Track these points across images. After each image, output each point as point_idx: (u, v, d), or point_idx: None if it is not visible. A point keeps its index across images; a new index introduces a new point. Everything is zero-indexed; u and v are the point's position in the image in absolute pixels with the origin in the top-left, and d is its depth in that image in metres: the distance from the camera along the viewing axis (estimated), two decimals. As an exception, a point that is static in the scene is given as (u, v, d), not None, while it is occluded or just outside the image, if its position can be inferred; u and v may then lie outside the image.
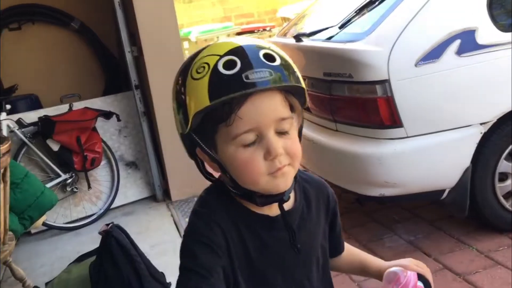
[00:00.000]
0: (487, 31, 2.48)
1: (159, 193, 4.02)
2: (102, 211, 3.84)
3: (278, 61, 0.82)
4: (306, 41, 2.95)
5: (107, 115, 3.77)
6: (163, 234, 3.45)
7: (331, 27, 2.88)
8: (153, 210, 3.90)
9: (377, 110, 2.45)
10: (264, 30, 6.72)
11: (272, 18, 7.74)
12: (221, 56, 0.81)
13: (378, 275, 1.01)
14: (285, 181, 0.86)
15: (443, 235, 2.83)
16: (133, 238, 2.50)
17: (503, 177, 2.63)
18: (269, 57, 0.82)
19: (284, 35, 3.50)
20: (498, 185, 2.62)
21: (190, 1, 7.41)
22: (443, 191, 2.56)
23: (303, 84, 0.86)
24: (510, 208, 2.66)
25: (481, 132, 2.50)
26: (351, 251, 1.10)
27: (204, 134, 0.85)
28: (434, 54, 2.43)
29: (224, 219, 0.87)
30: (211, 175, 0.94)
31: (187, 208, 3.79)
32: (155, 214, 3.82)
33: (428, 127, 2.48)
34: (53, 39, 4.39)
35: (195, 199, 3.53)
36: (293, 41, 3.01)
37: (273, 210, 0.91)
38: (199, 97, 0.80)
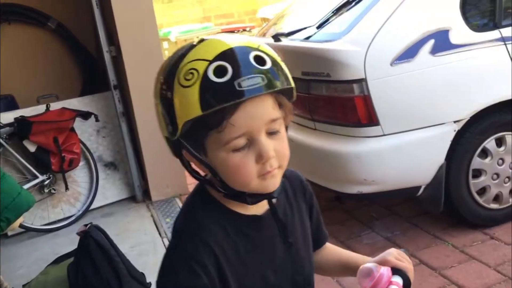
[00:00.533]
0: (460, 31, 2.54)
1: (139, 194, 4.00)
2: (80, 212, 3.80)
3: (269, 64, 0.82)
4: (284, 41, 2.97)
5: (85, 115, 3.74)
6: (143, 234, 3.44)
7: (309, 27, 2.91)
8: (132, 210, 3.88)
9: (355, 109, 2.49)
10: (244, 30, 6.73)
11: (252, 18, 7.76)
12: (211, 62, 0.79)
13: None
14: (274, 182, 0.86)
15: (420, 231, 2.89)
16: (112, 239, 2.48)
17: (477, 173, 2.69)
18: (260, 60, 0.81)
19: (263, 35, 3.52)
20: (472, 182, 2.68)
21: (170, 1, 7.38)
22: (419, 187, 2.61)
23: (293, 84, 0.86)
24: (483, 204, 2.73)
25: (454, 130, 2.55)
26: (335, 250, 1.10)
27: (193, 139, 0.84)
28: (409, 53, 2.48)
29: (212, 230, 0.86)
30: (198, 173, 0.92)
31: (167, 208, 3.78)
32: (135, 214, 3.80)
33: (403, 125, 2.53)
34: (30, 39, 4.34)
35: (176, 199, 3.51)
36: (272, 41, 3.04)
37: (259, 208, 0.91)
38: (190, 106, 0.79)
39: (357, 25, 2.57)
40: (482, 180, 2.69)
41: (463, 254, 2.59)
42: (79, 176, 3.87)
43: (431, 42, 2.49)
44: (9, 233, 3.59)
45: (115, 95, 3.85)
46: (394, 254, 0.95)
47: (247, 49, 0.82)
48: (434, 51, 2.49)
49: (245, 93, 0.78)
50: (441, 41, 2.50)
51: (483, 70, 2.57)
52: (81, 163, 3.81)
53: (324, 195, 3.24)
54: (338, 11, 2.84)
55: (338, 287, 2.48)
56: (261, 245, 0.91)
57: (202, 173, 0.92)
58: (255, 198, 0.88)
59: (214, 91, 0.78)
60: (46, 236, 3.62)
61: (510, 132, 2.68)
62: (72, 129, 3.70)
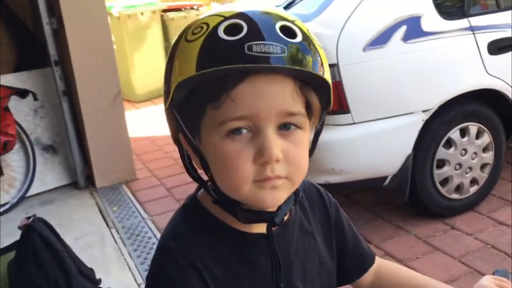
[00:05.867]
0: (431, 19, 2.48)
1: (81, 180, 3.71)
2: (15, 199, 3.46)
3: (299, 38, 0.63)
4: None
5: (21, 93, 3.38)
6: (87, 225, 3.17)
7: (275, 8, 2.75)
8: (74, 198, 3.59)
9: (325, 95, 2.37)
10: (192, 8, 6.44)
11: (199, -4, 7.47)
12: (226, 18, 0.63)
13: None
14: (274, 196, 0.66)
15: (382, 221, 2.85)
16: (58, 232, 2.24)
17: (440, 163, 2.67)
18: (288, 31, 0.63)
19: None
20: (435, 172, 2.66)
21: (112, -27, 6.92)
22: (386, 177, 2.55)
23: (329, 78, 0.67)
24: (445, 194, 2.72)
25: (423, 120, 2.51)
26: (401, 271, 0.90)
27: (189, 115, 0.67)
28: (381, 39, 2.39)
29: (201, 253, 0.70)
30: (196, 171, 0.74)
31: (113, 196, 3.52)
32: (78, 203, 3.51)
33: (373, 114, 2.44)
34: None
35: (123, 186, 3.27)
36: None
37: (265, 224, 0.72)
38: (186, 64, 0.63)
39: (328, 7, 2.44)
40: (446, 170, 2.67)
41: (427, 245, 2.57)
42: (14, 159, 3.52)
43: (404, 28, 2.41)
44: None
45: (56, 72, 3.51)
46: (492, 284, 0.78)
47: (276, 17, 0.65)
48: (406, 37, 2.42)
49: (254, 60, 0.60)
50: (413, 28, 2.43)
51: (453, 59, 2.54)
52: (16, 146, 3.46)
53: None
54: (306, -9, 2.70)
55: None
56: (268, 271, 0.72)
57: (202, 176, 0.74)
58: (249, 215, 0.68)
59: (217, 49, 0.61)
60: (-24, 226, 3.27)
61: (474, 123, 2.67)
62: (7, 109, 3.33)
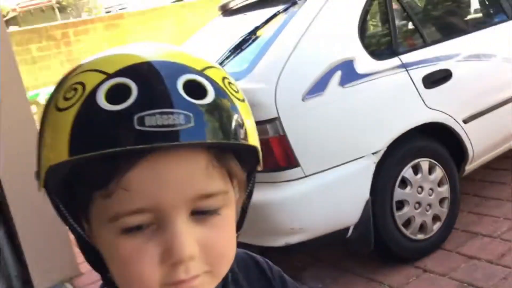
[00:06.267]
0: (363, 61, 2.47)
1: (18, 285, 3.31)
2: None
3: (210, 97, 0.47)
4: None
5: None
6: (28, 336, 2.78)
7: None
8: (11, 308, 3.18)
9: (271, 152, 2.24)
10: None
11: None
12: (109, 77, 0.45)
13: None
14: None
15: (351, 276, 2.67)
16: None
17: (400, 205, 2.57)
18: (194, 88, 0.46)
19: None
20: (396, 214, 2.55)
21: (35, 62, 6.73)
22: (348, 228, 2.41)
23: (253, 139, 0.52)
24: (410, 236, 2.61)
25: (374, 162, 2.42)
26: None
27: (72, 201, 0.50)
28: (319, 87, 2.33)
29: None
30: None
31: (56, 297, 3.15)
32: (15, 312, 3.11)
33: (324, 163, 2.33)
34: None
35: (66, 284, 2.87)
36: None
37: None
38: (57, 142, 0.46)
39: (260, 61, 2.37)
40: (406, 211, 2.57)
41: (403, 294, 2.41)
42: None
43: (339, 73, 2.37)
44: None
45: (-23, 168, 3.21)
46: None
47: (179, 68, 0.47)
48: (342, 82, 2.37)
49: (149, 137, 0.43)
50: (348, 72, 2.40)
51: (392, 98, 2.51)
52: None
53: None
54: (235, 50, 2.63)
55: None
56: None
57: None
58: None
59: (96, 124, 0.44)
60: None
61: (424, 159, 2.62)
62: None
